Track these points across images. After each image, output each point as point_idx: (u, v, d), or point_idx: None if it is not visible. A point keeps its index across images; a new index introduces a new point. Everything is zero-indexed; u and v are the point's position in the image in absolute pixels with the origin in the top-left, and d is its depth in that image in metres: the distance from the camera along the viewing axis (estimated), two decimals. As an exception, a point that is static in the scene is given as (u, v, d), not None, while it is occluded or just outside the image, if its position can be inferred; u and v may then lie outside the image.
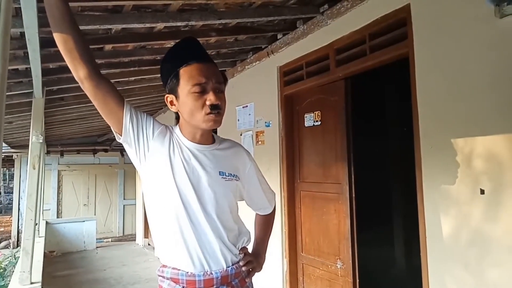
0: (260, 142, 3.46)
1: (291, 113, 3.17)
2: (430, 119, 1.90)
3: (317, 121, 2.92)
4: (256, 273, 1.37)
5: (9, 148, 8.10)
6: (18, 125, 4.81)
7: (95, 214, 9.42)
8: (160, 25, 2.34)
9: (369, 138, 3.67)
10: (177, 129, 1.26)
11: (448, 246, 1.80)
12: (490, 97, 1.63)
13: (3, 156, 8.00)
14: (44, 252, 5.58)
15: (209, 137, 1.29)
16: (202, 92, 1.16)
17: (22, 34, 1.98)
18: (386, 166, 4.19)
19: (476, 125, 1.69)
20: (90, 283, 5.42)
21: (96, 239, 8.29)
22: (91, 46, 2.38)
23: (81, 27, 1.85)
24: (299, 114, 3.11)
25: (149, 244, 7.72)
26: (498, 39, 1.59)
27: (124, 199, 10.15)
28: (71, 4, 1.23)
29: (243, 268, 1.28)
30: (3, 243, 9.67)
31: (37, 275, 3.42)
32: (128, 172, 9.93)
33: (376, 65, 2.33)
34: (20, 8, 1.52)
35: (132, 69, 3.15)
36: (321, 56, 2.73)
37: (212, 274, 1.18)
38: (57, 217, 9.33)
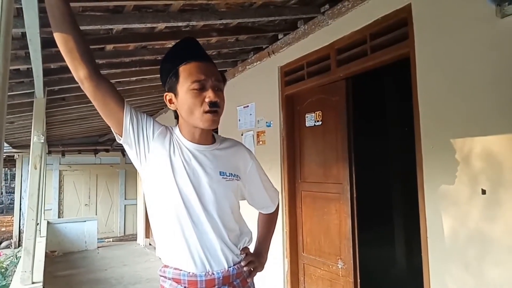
0: (261, 142, 3.46)
1: (292, 113, 3.18)
2: (431, 119, 1.90)
3: (318, 121, 2.92)
4: (258, 273, 1.37)
5: (10, 148, 8.12)
6: (20, 125, 4.82)
7: (96, 214, 9.42)
8: (161, 25, 2.34)
9: (370, 138, 3.67)
10: (176, 130, 1.26)
11: (449, 246, 1.80)
12: (491, 97, 1.63)
13: (4, 156, 8.00)
14: (46, 252, 5.59)
15: (209, 136, 1.29)
16: (201, 89, 1.17)
17: (24, 34, 1.99)
18: (387, 166, 4.19)
19: (477, 125, 1.69)
20: (91, 283, 5.43)
21: (98, 239, 8.31)
22: (92, 46, 2.39)
23: (82, 27, 1.86)
24: (300, 114, 3.11)
25: (150, 244, 7.73)
26: (499, 39, 1.59)
27: (125, 199, 10.14)
28: (72, 4, 1.24)
29: (245, 268, 1.28)
30: (5, 243, 9.67)
31: (39, 275, 3.43)
32: (129, 172, 9.92)
33: (377, 65, 2.33)
34: (21, 8, 1.52)
35: (133, 69, 3.16)
36: (322, 56, 2.73)
37: (213, 274, 1.18)
38: (59, 217, 9.34)
